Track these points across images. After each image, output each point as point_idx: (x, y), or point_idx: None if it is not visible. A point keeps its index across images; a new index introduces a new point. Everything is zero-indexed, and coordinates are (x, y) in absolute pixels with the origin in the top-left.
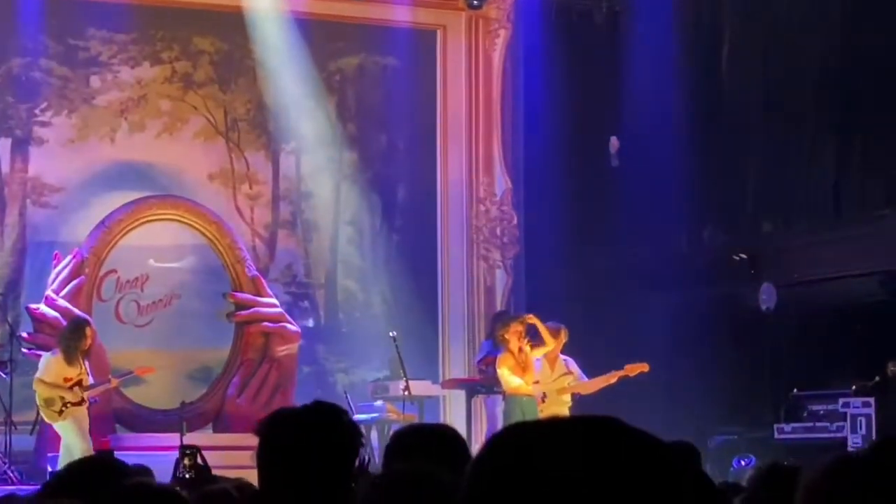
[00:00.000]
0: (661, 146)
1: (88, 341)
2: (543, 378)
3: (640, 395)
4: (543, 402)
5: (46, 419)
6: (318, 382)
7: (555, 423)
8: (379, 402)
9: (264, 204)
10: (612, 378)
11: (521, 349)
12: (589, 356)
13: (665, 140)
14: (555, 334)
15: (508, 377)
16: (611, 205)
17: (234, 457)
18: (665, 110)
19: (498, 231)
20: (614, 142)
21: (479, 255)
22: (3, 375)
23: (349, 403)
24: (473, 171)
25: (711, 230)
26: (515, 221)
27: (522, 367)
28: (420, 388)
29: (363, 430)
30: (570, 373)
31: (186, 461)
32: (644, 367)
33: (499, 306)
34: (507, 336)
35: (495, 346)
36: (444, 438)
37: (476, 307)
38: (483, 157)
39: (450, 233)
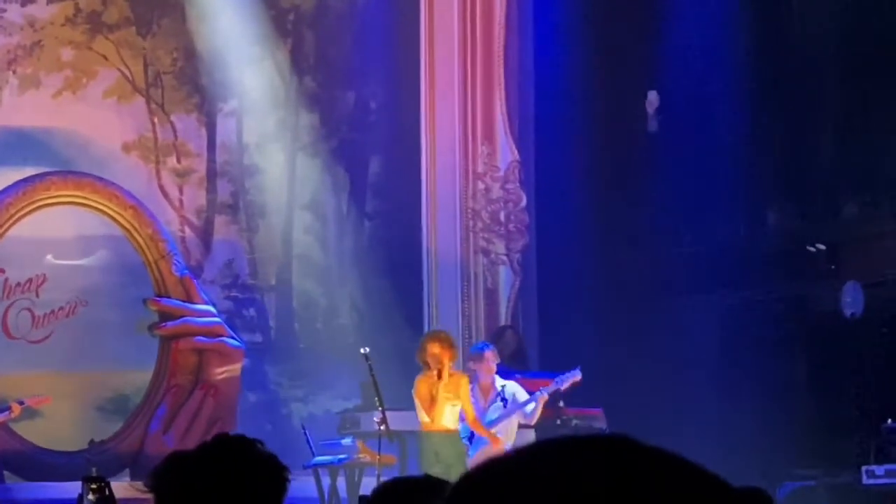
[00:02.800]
0: (712, 106)
1: None
2: (478, 412)
3: (684, 430)
4: (471, 442)
5: None
6: (267, 414)
7: (550, 445)
8: (348, 440)
9: (196, 182)
10: (531, 405)
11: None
12: (619, 376)
13: (717, 98)
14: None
15: (418, 409)
16: (647, 181)
17: None
18: (717, 59)
19: (501, 216)
20: (653, 98)
21: (477, 247)
22: None
23: (308, 441)
24: (469, 139)
25: (777, 214)
26: (524, 204)
27: (432, 399)
28: (401, 420)
29: (328, 474)
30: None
31: (91, 496)
32: (576, 377)
33: (503, 314)
34: (424, 358)
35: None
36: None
37: (474, 315)
38: (482, 119)
39: (438, 219)
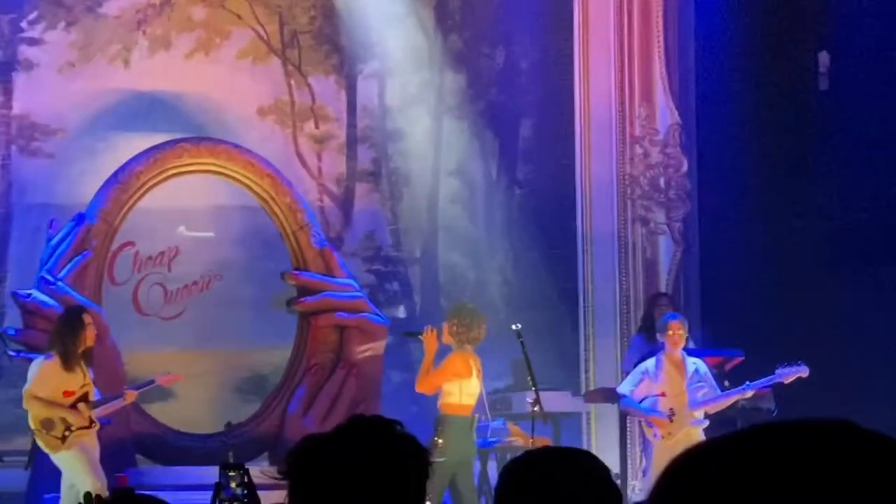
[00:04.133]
0: (887, 65)
1: (88, 336)
2: (672, 388)
3: (856, 409)
4: (671, 421)
5: (44, 448)
6: (412, 395)
7: (768, 431)
8: (498, 422)
9: (336, 148)
10: (748, 393)
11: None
12: (787, 353)
13: (891, 57)
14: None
15: None
16: (816, 145)
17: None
18: (892, 16)
19: (661, 182)
20: (823, 58)
21: (635, 215)
22: None
23: None
24: (627, 100)
25: None
26: (685, 169)
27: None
28: (555, 401)
29: (478, 458)
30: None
31: (233, 484)
32: (802, 373)
33: (663, 287)
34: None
35: (650, 341)
36: (578, 469)
37: (632, 288)
38: (640, 79)
39: (593, 186)
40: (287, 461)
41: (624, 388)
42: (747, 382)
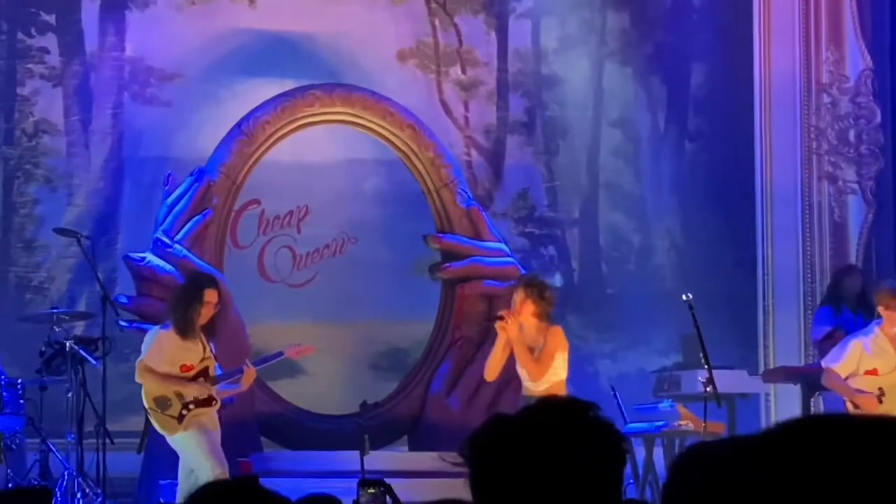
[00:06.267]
0: None
1: (210, 307)
2: (883, 364)
3: None
4: (881, 402)
5: (159, 428)
6: (572, 373)
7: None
8: (666, 404)
9: (485, 96)
10: None
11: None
12: None
13: None
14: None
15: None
16: None
17: (442, 489)
18: None
19: (851, 136)
20: None
21: (821, 172)
22: (93, 362)
23: (619, 405)
24: (812, 43)
25: None
26: (878, 120)
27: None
28: (730, 381)
29: (642, 444)
30: None
31: None
32: None
33: (852, 253)
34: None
35: (837, 314)
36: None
37: (817, 254)
38: (827, 19)
39: (774, 138)
40: (470, 444)
41: (829, 361)
42: None
